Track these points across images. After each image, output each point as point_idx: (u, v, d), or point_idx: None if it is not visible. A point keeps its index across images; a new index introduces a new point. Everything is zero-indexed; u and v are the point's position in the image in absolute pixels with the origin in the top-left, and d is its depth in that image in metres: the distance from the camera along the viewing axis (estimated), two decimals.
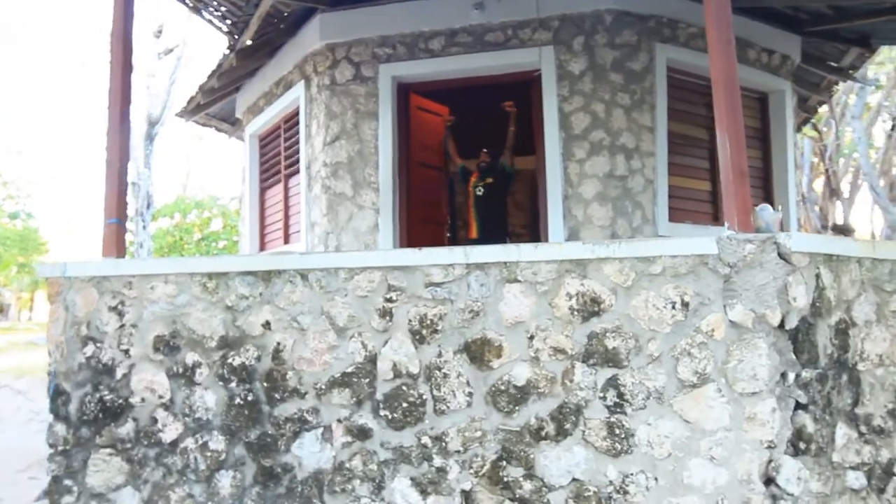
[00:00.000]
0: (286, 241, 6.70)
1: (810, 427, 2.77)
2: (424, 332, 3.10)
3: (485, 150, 6.24)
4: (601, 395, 2.92)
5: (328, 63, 5.80)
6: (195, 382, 3.31)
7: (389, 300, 3.15)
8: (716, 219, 5.73)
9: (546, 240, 5.16)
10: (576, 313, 2.97)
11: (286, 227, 6.73)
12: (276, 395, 3.22)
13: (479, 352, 3.04)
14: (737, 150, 3.11)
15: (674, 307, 2.88)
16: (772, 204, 6.19)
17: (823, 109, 10.15)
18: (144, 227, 12.42)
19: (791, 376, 2.76)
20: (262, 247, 7.43)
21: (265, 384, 3.24)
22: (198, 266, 3.37)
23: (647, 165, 5.25)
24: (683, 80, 5.66)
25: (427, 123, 6.11)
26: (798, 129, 8.76)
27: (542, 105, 5.31)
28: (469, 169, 6.42)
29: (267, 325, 3.27)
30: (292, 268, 3.26)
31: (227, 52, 5.94)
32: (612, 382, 2.91)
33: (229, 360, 3.28)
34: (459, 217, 7.80)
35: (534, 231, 9.27)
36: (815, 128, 10.59)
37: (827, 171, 13.12)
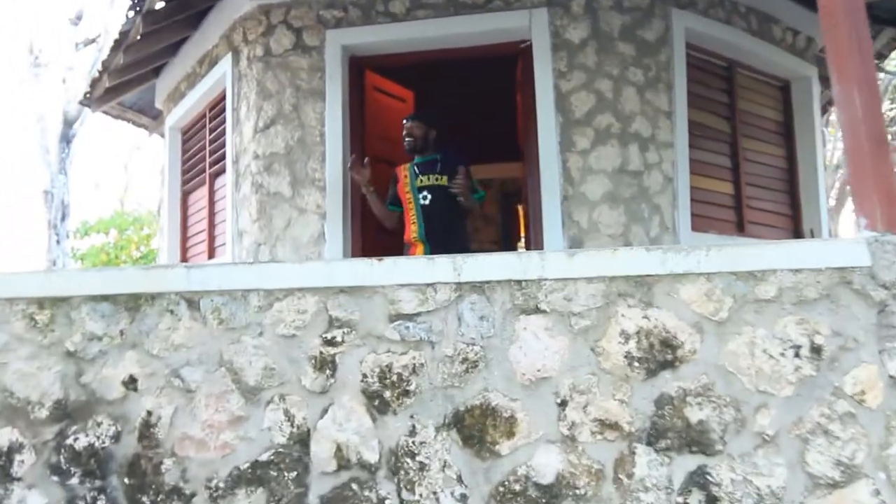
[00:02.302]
0: (210, 255, 5.40)
1: None
2: (388, 394, 1.91)
3: (413, 120, 3.98)
4: (680, 499, 1.78)
5: (261, 29, 4.59)
6: (13, 477, 2.04)
7: (331, 342, 1.95)
8: (740, 228, 4.70)
9: None
10: (636, 364, 1.83)
11: (210, 238, 5.44)
12: (145, 499, 1.98)
13: (477, 427, 1.87)
14: (870, 110, 2.03)
15: (797, 354, 1.79)
16: (798, 219, 5.20)
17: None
18: (58, 242, 10.84)
19: None
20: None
21: (127, 480, 1.99)
22: (20, 286, 2.11)
23: (666, 159, 4.17)
24: (701, 58, 4.64)
25: (387, 109, 4.93)
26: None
27: (534, 82, 4.19)
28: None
29: (131, 382, 2.03)
30: (174, 290, 2.04)
31: (131, 15, 4.68)
32: (699, 479, 1.78)
33: (69, 441, 2.03)
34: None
35: (507, 247, 8.17)
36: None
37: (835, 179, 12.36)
